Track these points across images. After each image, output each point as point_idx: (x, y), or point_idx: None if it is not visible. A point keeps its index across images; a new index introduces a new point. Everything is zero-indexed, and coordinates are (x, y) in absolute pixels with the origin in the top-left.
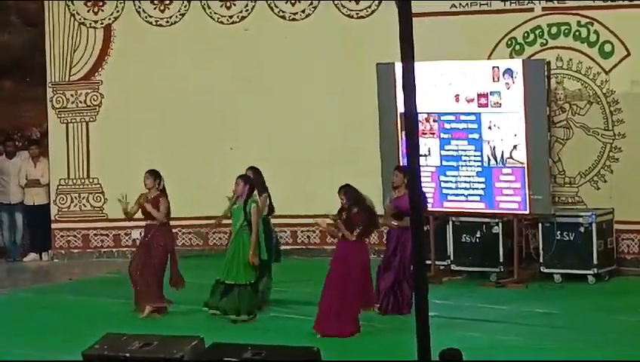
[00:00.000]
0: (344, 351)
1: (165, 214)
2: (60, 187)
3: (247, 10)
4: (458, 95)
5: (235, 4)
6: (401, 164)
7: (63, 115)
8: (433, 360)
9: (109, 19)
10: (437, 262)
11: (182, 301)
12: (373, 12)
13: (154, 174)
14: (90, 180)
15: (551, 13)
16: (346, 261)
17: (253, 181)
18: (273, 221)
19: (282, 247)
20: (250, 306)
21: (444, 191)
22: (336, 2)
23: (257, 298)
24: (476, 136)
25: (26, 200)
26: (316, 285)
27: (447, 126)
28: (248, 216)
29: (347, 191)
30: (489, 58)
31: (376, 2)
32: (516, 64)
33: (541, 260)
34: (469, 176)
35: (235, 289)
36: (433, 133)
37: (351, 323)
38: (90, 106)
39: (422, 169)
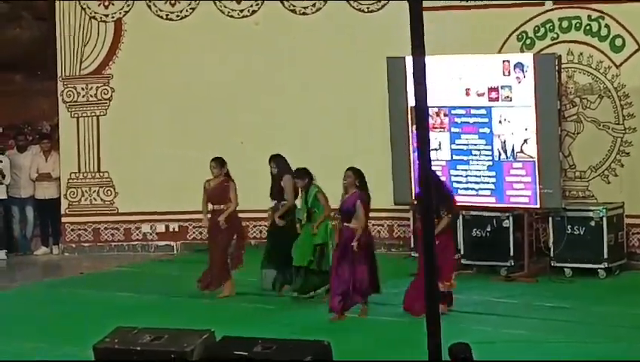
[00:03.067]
0: (354, 345)
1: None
2: (70, 181)
3: (257, 5)
4: (469, 89)
5: None
6: (353, 166)
7: (73, 109)
8: (444, 356)
9: (120, 13)
10: None
11: (193, 295)
12: (383, 6)
13: (220, 161)
14: (101, 174)
15: (562, 7)
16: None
17: (310, 174)
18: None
19: None
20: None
21: (455, 185)
22: None
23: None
24: (487, 130)
25: (37, 194)
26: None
27: (457, 120)
28: (313, 202)
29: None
30: (500, 52)
31: None
32: (527, 58)
33: (552, 254)
34: (480, 170)
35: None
36: (444, 127)
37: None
38: (100, 100)
39: (432, 163)
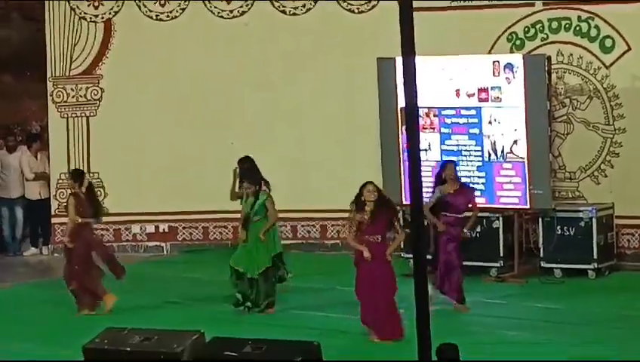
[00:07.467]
0: (345, 346)
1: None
2: (60, 181)
3: (247, 5)
4: (459, 90)
5: None
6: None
7: (63, 110)
8: (433, 357)
9: (110, 13)
10: None
11: (183, 296)
12: (374, 7)
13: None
14: (91, 175)
15: (551, 8)
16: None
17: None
18: None
19: (282, 242)
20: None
21: None
22: None
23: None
24: (477, 130)
25: (31, 194)
26: (316, 278)
27: (447, 121)
28: (263, 209)
29: (378, 189)
30: (490, 53)
31: None
32: (517, 59)
33: (541, 255)
34: (470, 171)
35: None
36: (434, 128)
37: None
38: (90, 101)
39: (422, 163)
